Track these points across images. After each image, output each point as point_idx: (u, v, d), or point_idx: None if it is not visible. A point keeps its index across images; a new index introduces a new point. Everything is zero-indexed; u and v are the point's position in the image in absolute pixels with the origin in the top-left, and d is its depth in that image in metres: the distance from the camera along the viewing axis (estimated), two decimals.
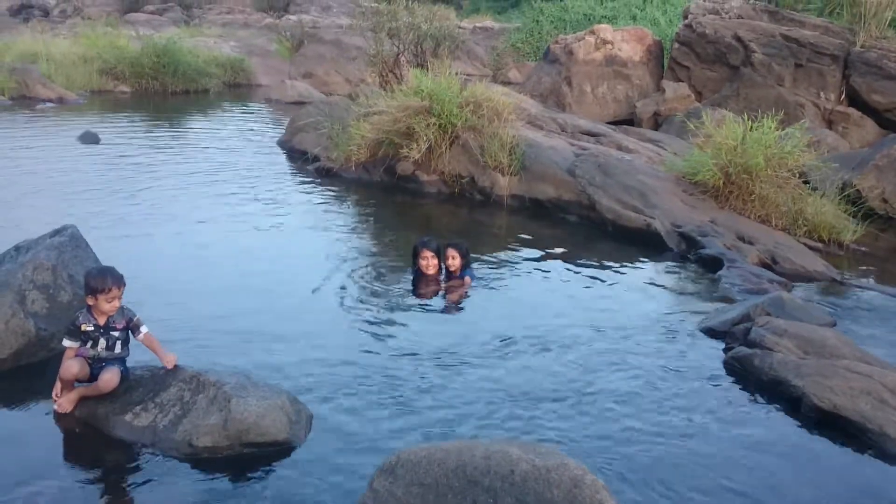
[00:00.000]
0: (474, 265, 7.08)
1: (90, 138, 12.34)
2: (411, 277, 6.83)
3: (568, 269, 7.48)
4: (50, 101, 16.46)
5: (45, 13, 35.16)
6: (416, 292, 6.62)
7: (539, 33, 26.88)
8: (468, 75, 15.15)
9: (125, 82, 19.20)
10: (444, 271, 6.84)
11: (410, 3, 14.80)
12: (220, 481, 3.90)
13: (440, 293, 6.60)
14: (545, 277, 7.24)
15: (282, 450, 4.12)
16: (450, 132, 10.14)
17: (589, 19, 25.84)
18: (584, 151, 10.19)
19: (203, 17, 34.92)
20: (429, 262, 6.71)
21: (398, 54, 14.31)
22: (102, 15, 30.55)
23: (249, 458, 4.07)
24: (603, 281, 7.20)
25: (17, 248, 5.78)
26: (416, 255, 6.79)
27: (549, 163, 9.80)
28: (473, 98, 10.30)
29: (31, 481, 3.81)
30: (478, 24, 30.85)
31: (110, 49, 19.80)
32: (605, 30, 16.76)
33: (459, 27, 19.35)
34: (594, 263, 7.65)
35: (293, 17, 33.34)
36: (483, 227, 9.07)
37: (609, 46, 16.37)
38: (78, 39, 21.08)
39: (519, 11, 33.48)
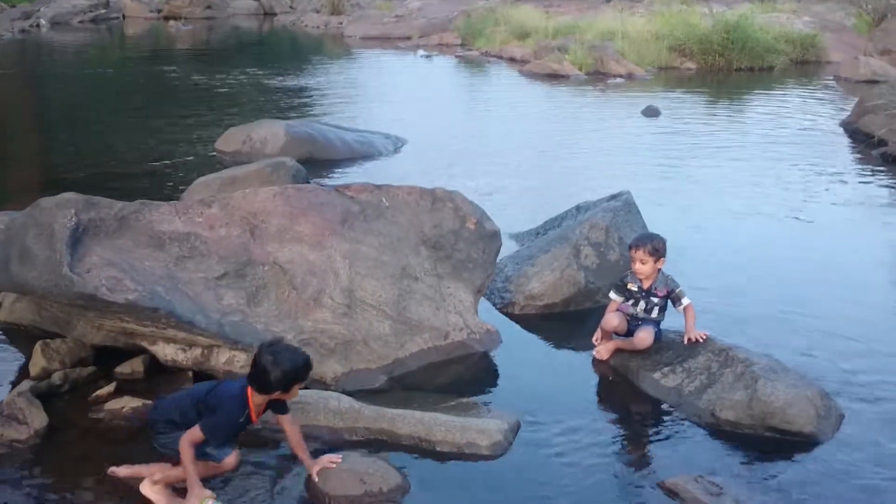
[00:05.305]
0: None
1: (652, 112, 12.95)
2: None
3: None
4: (620, 76, 17.56)
5: None
6: None
7: None
8: None
9: (691, 59, 19.53)
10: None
11: None
12: (737, 456, 3.91)
13: None
14: None
15: (805, 442, 3.96)
16: None
17: None
18: None
19: None
20: None
21: None
22: None
23: (770, 442, 4.00)
24: None
25: (577, 208, 6.47)
26: None
27: None
28: None
29: (566, 416, 4.26)
30: None
31: (682, 26, 20.27)
32: None
33: None
34: None
35: None
36: None
37: None
38: (653, 17, 22.06)
39: None
